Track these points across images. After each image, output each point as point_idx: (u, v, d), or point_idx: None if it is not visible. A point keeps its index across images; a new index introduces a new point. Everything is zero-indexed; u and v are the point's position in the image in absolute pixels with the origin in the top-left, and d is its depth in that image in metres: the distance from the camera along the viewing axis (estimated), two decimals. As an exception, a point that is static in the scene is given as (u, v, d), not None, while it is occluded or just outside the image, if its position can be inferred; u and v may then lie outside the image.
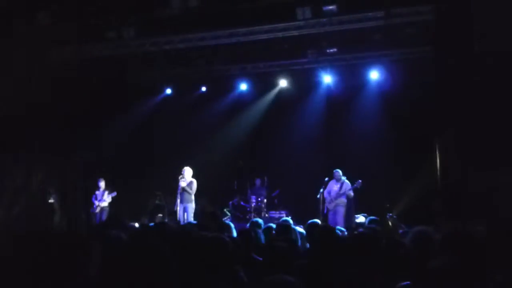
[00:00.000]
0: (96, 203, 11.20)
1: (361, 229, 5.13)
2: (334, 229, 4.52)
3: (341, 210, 10.14)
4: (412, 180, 10.33)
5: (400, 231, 7.93)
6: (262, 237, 4.96)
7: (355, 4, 9.27)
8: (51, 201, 8.52)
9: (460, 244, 3.21)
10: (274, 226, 5.47)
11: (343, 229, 5.87)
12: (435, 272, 2.60)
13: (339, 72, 11.69)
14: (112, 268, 3.43)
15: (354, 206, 10.41)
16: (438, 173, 10.38)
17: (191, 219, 9.77)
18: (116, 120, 12.26)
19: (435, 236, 3.62)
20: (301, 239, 4.99)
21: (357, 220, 9.68)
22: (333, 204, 10.21)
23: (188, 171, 10.05)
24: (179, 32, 10.21)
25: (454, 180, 9.68)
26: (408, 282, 2.75)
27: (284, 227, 4.88)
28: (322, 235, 4.45)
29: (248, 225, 5.99)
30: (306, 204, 10.55)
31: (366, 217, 9.40)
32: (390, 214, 9.52)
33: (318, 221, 5.67)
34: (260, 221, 5.96)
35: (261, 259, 3.92)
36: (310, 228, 4.87)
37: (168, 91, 13.23)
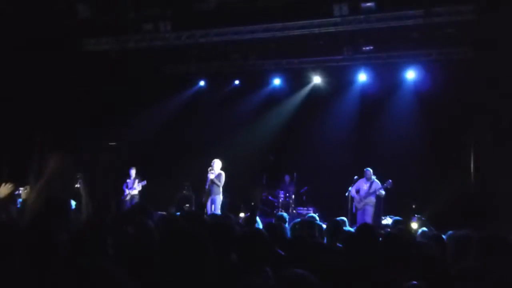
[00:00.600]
0: (127, 191, 11.43)
1: (387, 229, 5.08)
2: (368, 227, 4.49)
3: (370, 210, 10.02)
4: (445, 182, 10.11)
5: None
6: (288, 232, 4.96)
7: (394, 2, 9.13)
8: (77, 185, 8.70)
9: (495, 248, 3.15)
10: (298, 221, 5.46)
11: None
12: (465, 273, 2.56)
13: (374, 70, 11.52)
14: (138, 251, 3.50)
15: (383, 207, 10.27)
16: (472, 177, 10.16)
17: (218, 211, 9.85)
18: (151, 110, 12.47)
19: (472, 240, 3.56)
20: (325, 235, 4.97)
21: (384, 222, 9.54)
22: (362, 204, 10.11)
23: (217, 164, 10.12)
24: (214, 25, 10.29)
25: (489, 185, 9.47)
26: (415, 282, 2.71)
27: (308, 223, 4.86)
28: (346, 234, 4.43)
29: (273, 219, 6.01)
30: (334, 202, 10.47)
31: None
32: (417, 215, 9.34)
33: (345, 218, 5.63)
34: (285, 215, 5.96)
35: (283, 253, 3.93)
36: (332, 224, 4.84)
37: (202, 83, 13.35)
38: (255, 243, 3.06)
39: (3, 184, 4.53)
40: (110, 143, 11.84)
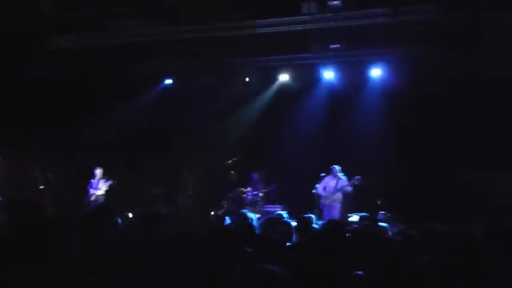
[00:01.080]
0: (91, 191, 11.16)
1: (354, 225, 5.11)
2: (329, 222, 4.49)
3: (337, 206, 10.12)
4: (412, 178, 10.29)
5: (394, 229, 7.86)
6: (257, 230, 4.92)
7: (360, 0, 9.20)
8: (41, 187, 8.53)
9: (460, 243, 3.19)
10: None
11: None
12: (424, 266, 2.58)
13: (342, 68, 11.61)
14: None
15: (351, 204, 10.36)
16: (436, 171, 10.36)
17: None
18: (118, 109, 12.22)
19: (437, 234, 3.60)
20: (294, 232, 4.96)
21: (350, 219, 9.62)
22: (329, 200, 10.19)
23: None
24: (182, 22, 10.15)
25: (452, 180, 9.69)
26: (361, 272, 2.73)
27: (275, 220, 4.85)
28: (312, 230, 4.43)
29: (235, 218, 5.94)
30: (303, 199, 10.51)
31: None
32: (383, 212, 9.48)
33: (312, 215, 5.64)
34: (249, 213, 5.91)
35: (251, 250, 3.88)
36: (301, 221, 4.84)
37: (169, 81, 13.17)
38: (222, 240, 3.01)
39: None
40: (74, 144, 11.51)
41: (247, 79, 12.61)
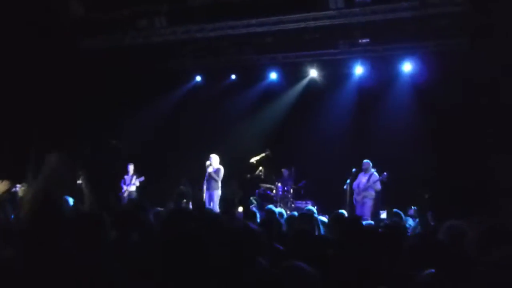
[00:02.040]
0: (124, 187, 11.46)
1: (386, 221, 5.10)
2: (359, 219, 4.50)
3: (369, 203, 10.03)
4: (443, 175, 10.11)
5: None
6: (284, 225, 4.95)
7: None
8: (79, 182, 8.71)
9: (499, 239, 3.15)
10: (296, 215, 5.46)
11: (370, 221, 5.78)
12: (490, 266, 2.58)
13: (371, 63, 11.51)
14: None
15: (381, 200, 10.28)
16: (474, 168, 10.12)
17: (217, 206, 9.86)
18: (148, 107, 12.46)
19: (469, 231, 3.56)
20: (324, 228, 4.98)
21: (382, 216, 9.54)
22: (360, 196, 10.13)
23: (215, 158, 10.14)
24: (210, 20, 10.25)
25: (489, 177, 9.44)
26: (433, 270, 2.71)
27: (306, 216, 4.87)
28: (347, 225, 4.44)
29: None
30: (333, 195, 10.47)
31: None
32: (414, 207, 9.37)
33: (344, 211, 5.64)
34: (276, 209, 5.95)
35: (281, 247, 3.93)
36: (334, 218, 4.84)
37: (198, 78, 13.33)
38: (245, 237, 3.05)
39: (-1, 181, 4.53)
40: (111, 141, 11.78)
41: (275, 75, 12.63)
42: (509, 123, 9.01)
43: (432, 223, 5.38)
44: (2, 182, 4.50)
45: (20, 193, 4.84)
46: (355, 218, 4.25)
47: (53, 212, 3.42)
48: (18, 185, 4.99)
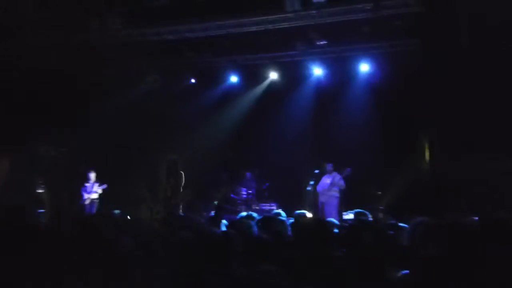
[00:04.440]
0: (86, 195, 11.15)
1: (350, 221, 5.18)
2: (323, 220, 4.56)
3: (335, 202, 10.21)
4: (400, 172, 10.38)
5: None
6: (255, 229, 4.94)
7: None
8: (39, 191, 8.48)
9: (454, 234, 3.24)
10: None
11: (335, 221, 5.82)
12: (427, 260, 2.64)
13: (328, 64, 11.68)
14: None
15: (345, 200, 10.45)
16: (425, 165, 10.46)
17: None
18: (105, 110, 12.14)
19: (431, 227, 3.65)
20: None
21: (345, 217, 9.69)
22: (326, 197, 10.28)
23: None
24: (167, 23, 10.14)
25: (442, 172, 9.76)
26: (407, 271, 2.78)
27: (270, 219, 4.89)
28: (310, 227, 4.49)
29: (238, 217, 5.96)
30: (296, 196, 10.58)
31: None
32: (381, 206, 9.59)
33: (306, 212, 5.69)
34: (255, 214, 5.96)
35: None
36: (297, 219, 4.89)
37: (155, 81, 13.09)
38: (224, 244, 3.05)
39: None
40: (64, 147, 11.42)
41: (235, 78, 12.62)
42: (457, 122, 9.35)
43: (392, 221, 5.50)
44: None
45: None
46: (318, 219, 4.30)
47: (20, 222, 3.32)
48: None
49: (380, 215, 9.17)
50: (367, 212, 5.51)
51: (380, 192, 10.11)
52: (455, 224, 3.38)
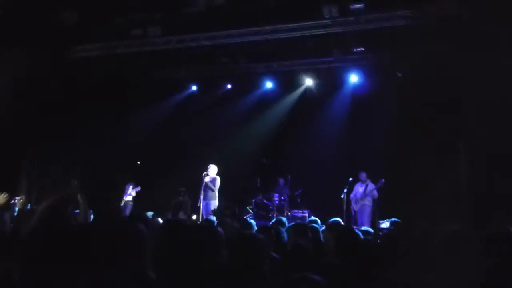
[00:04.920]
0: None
1: (385, 231, 5.09)
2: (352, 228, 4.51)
3: (367, 210, 10.10)
4: (437, 181, 10.09)
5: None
6: (285, 235, 4.92)
7: (383, 3, 9.17)
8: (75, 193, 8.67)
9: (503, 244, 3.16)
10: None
11: (370, 229, 5.74)
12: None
13: (365, 71, 11.55)
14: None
15: (379, 209, 10.29)
16: (463, 175, 10.14)
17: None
18: (143, 116, 12.44)
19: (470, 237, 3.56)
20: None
21: (382, 225, 9.53)
22: (359, 205, 10.18)
23: (212, 169, 10.13)
24: (205, 29, 10.27)
25: (481, 182, 9.44)
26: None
27: (304, 226, 4.86)
28: (343, 235, 4.43)
29: (270, 223, 5.96)
30: (328, 203, 10.47)
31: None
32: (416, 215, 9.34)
33: (340, 220, 5.63)
34: (284, 219, 5.94)
35: (277, 256, 3.91)
36: (332, 227, 4.83)
37: (194, 88, 13.32)
38: (248, 246, 3.04)
39: (-2, 194, 4.49)
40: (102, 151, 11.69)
41: (270, 84, 12.65)
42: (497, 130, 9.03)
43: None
44: (0, 194, 4.46)
45: (18, 205, 4.81)
46: (349, 228, 4.23)
47: (60, 223, 3.38)
48: (16, 198, 4.96)
49: (415, 224, 8.93)
50: (400, 221, 5.40)
51: (414, 201, 9.86)
52: (505, 235, 3.28)
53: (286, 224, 5.66)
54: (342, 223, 5.85)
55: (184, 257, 2.90)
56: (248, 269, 2.98)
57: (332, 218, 5.88)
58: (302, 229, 4.78)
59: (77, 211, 5.47)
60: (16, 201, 4.99)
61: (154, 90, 12.38)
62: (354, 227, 7.19)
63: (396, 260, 3.50)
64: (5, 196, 4.44)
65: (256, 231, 4.89)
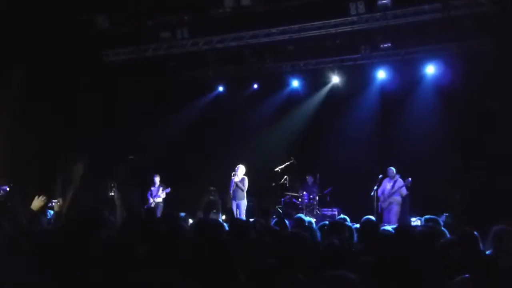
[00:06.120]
0: (151, 199, 11.54)
1: (419, 228, 5.03)
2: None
3: (395, 208, 9.95)
4: (469, 179, 9.92)
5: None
6: (319, 234, 4.91)
7: (409, -2, 9.08)
8: (111, 194, 8.89)
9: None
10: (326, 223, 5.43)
11: (389, 228, 5.66)
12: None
13: (393, 67, 11.42)
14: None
15: (408, 206, 10.16)
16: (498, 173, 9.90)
17: (243, 215, 9.89)
18: (171, 117, 12.60)
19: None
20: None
21: (414, 223, 9.37)
22: (386, 203, 10.05)
23: (241, 169, 10.21)
24: (231, 30, 10.36)
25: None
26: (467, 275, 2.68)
27: (338, 225, 4.84)
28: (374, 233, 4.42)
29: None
30: (358, 201, 10.37)
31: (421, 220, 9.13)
32: (446, 214, 9.20)
33: (373, 218, 5.58)
34: (304, 217, 5.92)
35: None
36: (364, 225, 4.81)
37: (221, 88, 13.42)
38: (295, 245, 3.06)
39: (36, 197, 4.62)
40: (130, 157, 11.89)
41: (297, 83, 12.64)
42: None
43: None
44: (38, 197, 4.60)
45: (55, 208, 4.94)
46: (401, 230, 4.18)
47: (93, 223, 3.49)
48: (54, 200, 5.10)
49: (452, 221, 8.79)
50: (438, 218, 5.32)
51: (458, 197, 9.69)
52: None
53: (306, 222, 5.61)
54: (374, 220, 5.80)
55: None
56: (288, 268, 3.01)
57: (362, 216, 5.85)
58: (338, 227, 4.76)
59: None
60: (53, 204, 5.13)
61: (182, 91, 12.52)
62: (385, 225, 7.14)
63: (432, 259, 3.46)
64: (42, 199, 4.56)
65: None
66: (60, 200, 5.01)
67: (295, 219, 5.99)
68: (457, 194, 9.65)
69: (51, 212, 5.74)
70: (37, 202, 4.57)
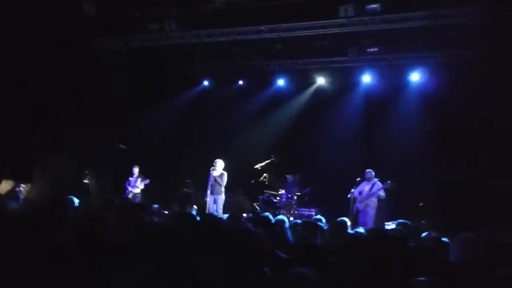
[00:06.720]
0: (129, 188, 11.48)
1: (389, 231, 5.03)
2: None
3: (371, 211, 9.97)
4: (448, 184, 10.01)
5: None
6: (289, 233, 4.90)
7: (399, 3, 9.11)
8: (86, 181, 8.81)
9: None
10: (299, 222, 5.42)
11: (361, 230, 5.66)
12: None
13: (379, 72, 11.48)
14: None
15: (385, 210, 10.20)
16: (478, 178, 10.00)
17: (221, 210, 9.86)
18: (154, 109, 12.49)
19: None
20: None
21: (388, 227, 9.41)
22: (363, 204, 10.07)
23: (220, 163, 10.16)
24: (219, 25, 10.30)
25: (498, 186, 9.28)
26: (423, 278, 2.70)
27: (310, 225, 4.83)
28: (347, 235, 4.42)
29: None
30: (336, 203, 10.42)
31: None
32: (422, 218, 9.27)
33: (347, 220, 5.59)
34: (285, 219, 5.90)
35: (285, 256, 3.89)
36: (335, 226, 4.82)
37: (206, 83, 13.37)
38: (245, 241, 3.05)
39: (3, 180, 4.54)
40: (118, 144, 11.76)
41: (283, 82, 12.64)
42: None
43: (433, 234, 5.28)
44: (6, 181, 4.51)
45: (23, 193, 4.86)
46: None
47: (57, 211, 3.43)
48: (22, 185, 5.01)
49: (423, 227, 8.85)
50: (409, 223, 5.34)
51: (423, 204, 9.80)
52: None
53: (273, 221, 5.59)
54: (349, 222, 5.81)
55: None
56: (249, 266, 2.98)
57: (338, 217, 5.85)
58: (311, 227, 4.75)
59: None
60: (21, 188, 5.04)
61: (166, 84, 12.42)
62: (360, 227, 7.16)
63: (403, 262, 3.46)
64: (9, 183, 4.48)
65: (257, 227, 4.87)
66: (29, 185, 4.93)
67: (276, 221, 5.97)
68: (432, 200, 9.74)
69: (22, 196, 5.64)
70: (4, 186, 4.48)
